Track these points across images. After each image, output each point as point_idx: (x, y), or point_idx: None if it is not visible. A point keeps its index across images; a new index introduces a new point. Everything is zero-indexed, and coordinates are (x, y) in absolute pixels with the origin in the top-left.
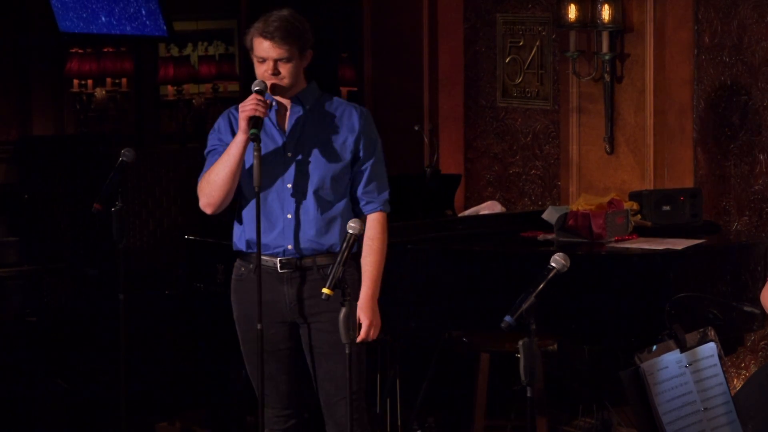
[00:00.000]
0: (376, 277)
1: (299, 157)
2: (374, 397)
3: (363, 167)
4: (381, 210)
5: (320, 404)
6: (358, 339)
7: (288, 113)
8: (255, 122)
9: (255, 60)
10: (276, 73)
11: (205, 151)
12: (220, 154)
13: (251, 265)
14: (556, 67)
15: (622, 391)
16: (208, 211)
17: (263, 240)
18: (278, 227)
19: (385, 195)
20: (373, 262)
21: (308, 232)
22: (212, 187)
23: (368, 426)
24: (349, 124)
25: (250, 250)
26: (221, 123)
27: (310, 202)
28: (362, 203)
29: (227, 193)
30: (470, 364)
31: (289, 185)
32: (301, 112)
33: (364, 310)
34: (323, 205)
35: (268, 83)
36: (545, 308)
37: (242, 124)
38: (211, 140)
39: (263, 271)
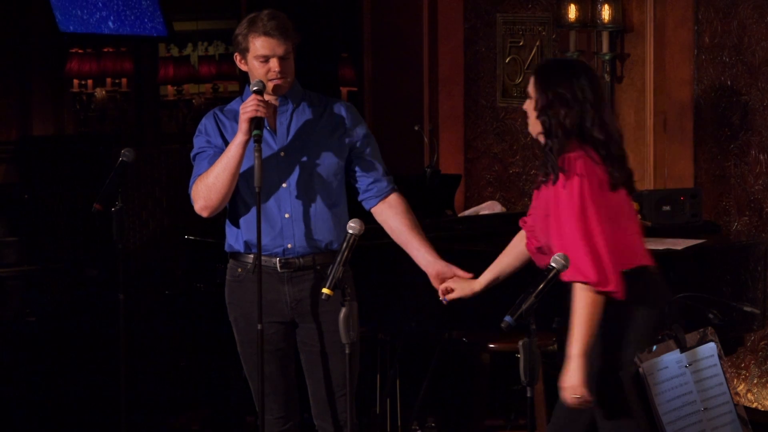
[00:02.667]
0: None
1: (293, 156)
2: (374, 397)
3: (365, 156)
4: (397, 190)
5: (312, 403)
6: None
7: (276, 112)
8: (257, 123)
9: (255, 61)
10: (282, 70)
11: (192, 154)
12: (210, 157)
13: (249, 266)
14: None
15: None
16: (204, 214)
17: (262, 240)
18: (277, 227)
19: (391, 177)
20: (420, 230)
21: (307, 231)
22: (211, 189)
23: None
24: (338, 117)
25: (248, 251)
26: (207, 125)
27: (307, 201)
28: (375, 190)
29: (226, 196)
30: (470, 364)
31: (285, 185)
32: (289, 111)
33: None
34: (321, 202)
35: (270, 84)
36: (545, 308)
37: (243, 125)
38: (198, 142)
39: (262, 271)
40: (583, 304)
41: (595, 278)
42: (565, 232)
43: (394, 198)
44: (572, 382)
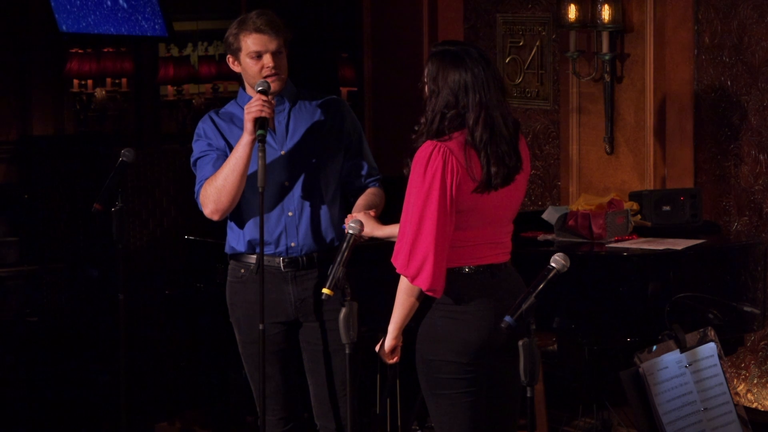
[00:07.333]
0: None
1: (295, 155)
2: (374, 397)
3: (359, 153)
4: (378, 186)
5: (314, 404)
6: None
7: (274, 112)
8: (261, 123)
9: (248, 59)
10: (276, 65)
11: (193, 158)
12: (213, 160)
13: (252, 266)
14: (556, 67)
15: (622, 391)
16: (215, 217)
17: (265, 239)
18: (280, 226)
19: (380, 177)
20: (370, 201)
21: (311, 229)
22: (221, 192)
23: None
24: (335, 114)
25: (251, 252)
26: (206, 128)
27: (309, 199)
28: (364, 184)
29: (236, 197)
30: None
31: (287, 183)
32: (286, 109)
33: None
34: (323, 200)
35: (270, 82)
36: (546, 308)
37: (248, 125)
38: (200, 146)
39: (265, 271)
40: (399, 289)
41: (404, 270)
42: (402, 219)
43: (372, 188)
44: (380, 350)
